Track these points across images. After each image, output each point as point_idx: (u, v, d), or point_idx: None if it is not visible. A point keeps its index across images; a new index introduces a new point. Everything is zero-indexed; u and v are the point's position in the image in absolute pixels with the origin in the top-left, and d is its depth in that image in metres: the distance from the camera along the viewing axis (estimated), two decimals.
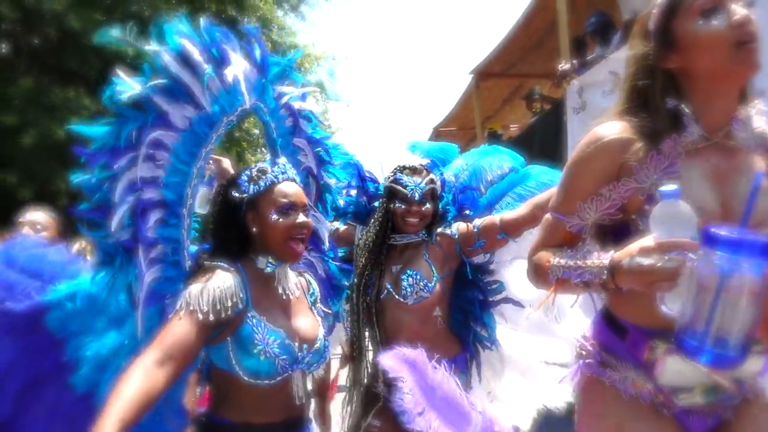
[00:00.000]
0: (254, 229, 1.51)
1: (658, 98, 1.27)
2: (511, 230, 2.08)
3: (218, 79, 1.51)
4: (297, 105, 1.74)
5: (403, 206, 2.10)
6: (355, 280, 2.12)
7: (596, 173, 1.29)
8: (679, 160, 1.24)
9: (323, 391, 4.31)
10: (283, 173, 1.54)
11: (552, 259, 1.29)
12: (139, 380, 1.23)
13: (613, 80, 4.07)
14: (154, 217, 1.45)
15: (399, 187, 2.11)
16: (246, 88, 1.56)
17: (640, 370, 1.28)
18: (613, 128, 1.29)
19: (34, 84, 8.80)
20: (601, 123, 1.32)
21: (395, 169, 2.18)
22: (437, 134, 9.32)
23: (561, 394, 2.33)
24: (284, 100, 1.70)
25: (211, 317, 1.38)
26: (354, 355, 2.14)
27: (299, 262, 1.63)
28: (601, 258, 1.18)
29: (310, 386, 1.64)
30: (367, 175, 2.35)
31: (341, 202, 2.31)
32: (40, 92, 8.72)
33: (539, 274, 1.35)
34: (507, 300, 2.21)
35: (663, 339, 1.20)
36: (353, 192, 2.36)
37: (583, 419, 1.38)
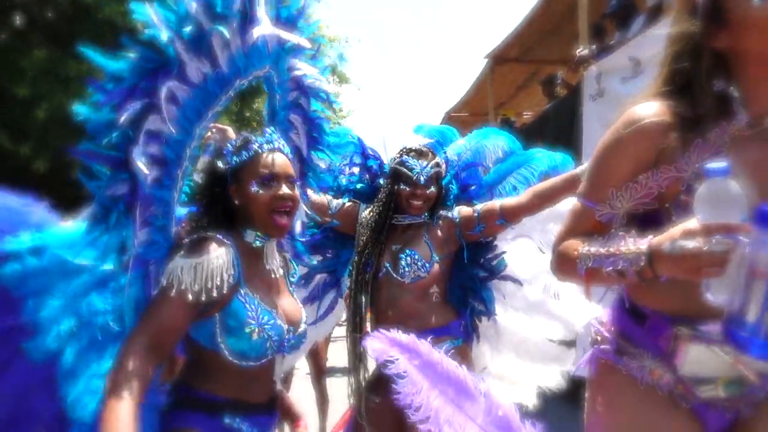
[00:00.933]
0: (236, 202, 1.46)
1: (704, 80, 1.16)
2: (510, 217, 2.10)
3: (240, 38, 1.42)
4: (310, 82, 1.68)
5: (408, 189, 2.11)
6: (356, 257, 2.15)
7: (632, 158, 1.19)
8: (724, 148, 1.14)
9: (319, 370, 4.33)
10: (268, 143, 1.48)
11: (580, 248, 1.20)
12: (133, 367, 1.21)
13: (633, 66, 4.02)
14: (152, 174, 1.33)
15: (405, 170, 2.12)
16: (263, 53, 1.49)
17: (659, 358, 1.21)
18: (653, 110, 1.19)
19: (47, 56, 8.79)
20: (634, 104, 1.23)
21: (401, 151, 2.19)
22: (449, 120, 9.26)
23: (555, 374, 2.34)
24: (295, 73, 1.64)
25: (203, 297, 1.31)
26: (354, 331, 2.16)
27: (285, 235, 1.56)
28: (637, 244, 1.09)
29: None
30: (370, 153, 2.35)
31: (344, 180, 2.35)
32: (53, 65, 8.69)
33: (566, 264, 1.26)
34: (506, 277, 2.24)
35: (686, 326, 1.14)
36: (356, 170, 2.36)
37: (595, 406, 1.33)
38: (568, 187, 2.00)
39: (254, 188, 1.43)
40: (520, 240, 2.33)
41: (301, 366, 5.51)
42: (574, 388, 2.68)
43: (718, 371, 1.15)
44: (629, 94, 4.27)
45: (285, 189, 1.45)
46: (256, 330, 1.36)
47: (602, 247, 1.16)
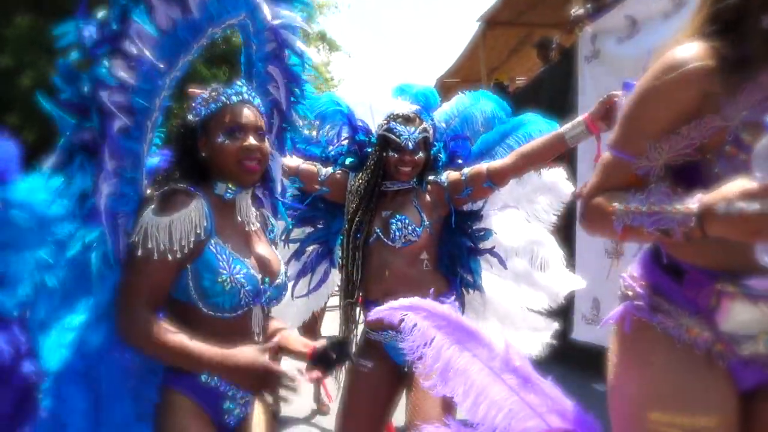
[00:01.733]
0: (204, 154, 1.44)
1: (755, 17, 1.06)
2: (497, 179, 2.09)
3: None
4: (287, 35, 1.65)
5: (396, 155, 2.11)
6: (346, 225, 2.16)
7: (673, 107, 1.10)
8: None
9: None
10: (236, 94, 1.45)
11: (617, 204, 1.12)
12: (157, 333, 1.28)
13: (629, 26, 3.98)
14: (118, 123, 1.30)
15: (393, 136, 2.11)
16: (239, 1, 1.47)
17: (697, 316, 1.16)
18: (695, 52, 1.09)
19: (30, 24, 8.57)
20: (672, 46, 1.15)
21: (388, 117, 2.18)
22: (441, 86, 9.15)
23: (538, 341, 2.36)
24: (273, 23, 1.60)
25: (179, 255, 1.32)
26: (347, 297, 2.15)
27: (257, 181, 1.54)
28: (685, 203, 1.02)
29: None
30: (359, 124, 2.33)
31: (332, 152, 2.31)
32: (37, 33, 8.49)
33: (600, 220, 1.18)
34: (492, 253, 2.24)
35: (729, 281, 1.08)
36: (344, 141, 2.35)
37: (625, 364, 1.27)
38: (554, 148, 2.00)
39: (221, 139, 1.42)
40: (507, 210, 2.34)
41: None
42: (562, 352, 2.80)
43: (761, 326, 1.10)
44: (625, 55, 4.26)
45: (252, 140, 1.43)
46: (228, 279, 1.36)
47: (642, 204, 1.08)
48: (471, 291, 2.26)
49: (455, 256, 2.22)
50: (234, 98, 1.45)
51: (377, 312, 1.25)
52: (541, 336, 2.37)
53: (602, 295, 4.18)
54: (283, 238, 2.19)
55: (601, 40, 4.36)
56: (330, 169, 2.26)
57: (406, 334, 1.17)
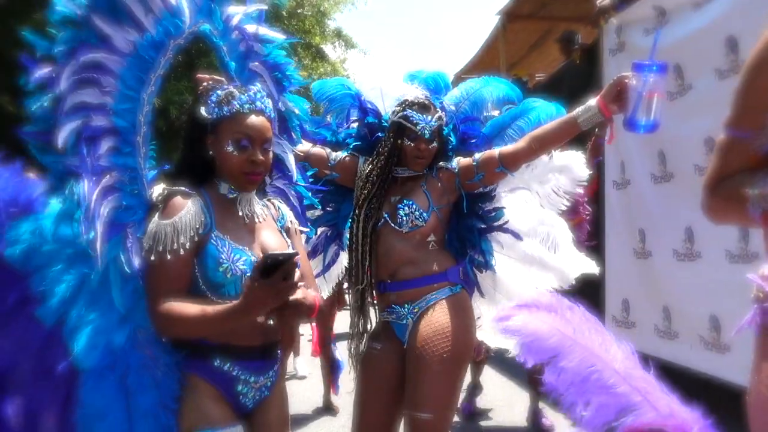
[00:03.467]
0: (211, 153, 1.51)
1: None
2: (509, 163, 2.08)
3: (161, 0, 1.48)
4: (251, 28, 1.70)
5: (412, 144, 2.11)
6: (356, 210, 2.16)
7: None
8: None
9: (326, 336, 4.27)
10: (250, 102, 1.50)
11: (750, 188, 1.05)
12: (176, 307, 1.40)
13: (657, 16, 3.81)
14: (105, 144, 1.44)
15: (409, 125, 2.10)
16: (191, 9, 1.54)
17: None
18: None
19: (46, 18, 8.60)
20: None
21: (403, 104, 2.16)
22: (459, 81, 9.00)
23: None
24: (234, 21, 1.66)
25: (188, 248, 1.43)
26: (356, 283, 2.17)
27: (255, 189, 1.61)
28: None
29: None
30: (369, 107, 2.30)
31: (341, 135, 2.30)
32: (53, 28, 8.51)
33: (729, 208, 1.13)
34: (505, 230, 2.23)
35: None
36: (354, 125, 2.33)
37: (758, 368, 1.13)
38: (567, 131, 1.98)
39: (229, 148, 1.49)
40: (519, 192, 2.34)
41: (305, 331, 5.46)
42: None
43: None
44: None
45: (258, 155, 1.49)
46: (229, 267, 1.45)
47: None
48: (483, 271, 2.26)
49: (465, 238, 2.22)
50: (247, 107, 1.49)
51: (501, 317, 1.23)
52: None
53: (632, 296, 4.04)
54: (310, 222, 2.17)
55: (627, 32, 4.19)
56: (340, 154, 2.25)
57: (522, 336, 1.14)
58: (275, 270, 1.30)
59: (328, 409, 4.17)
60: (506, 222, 2.24)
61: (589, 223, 3.55)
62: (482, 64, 8.59)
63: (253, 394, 1.54)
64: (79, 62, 1.40)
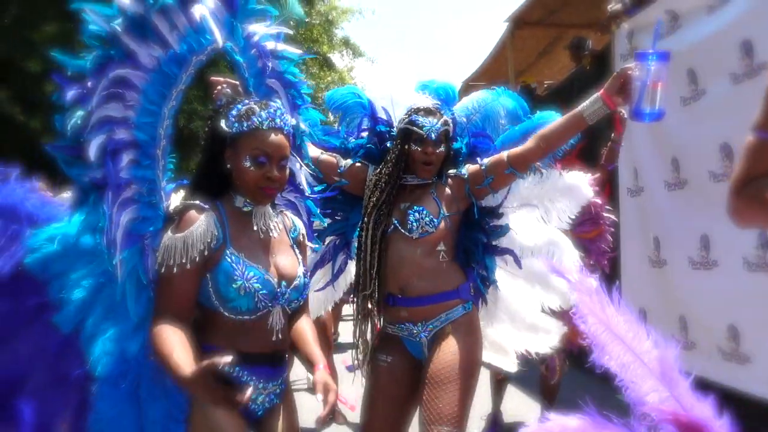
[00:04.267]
0: (229, 166, 1.54)
1: None
2: (518, 164, 2.08)
3: (185, 17, 1.51)
4: (270, 45, 1.75)
5: (419, 148, 2.10)
6: (365, 218, 2.15)
7: None
8: None
9: (326, 345, 4.23)
10: (270, 119, 1.53)
11: None
12: (165, 329, 1.42)
13: (669, 21, 3.76)
14: (126, 157, 1.48)
15: (415, 129, 2.11)
16: (215, 26, 1.57)
17: None
18: None
19: (58, 30, 8.68)
20: None
21: (409, 111, 2.17)
22: (467, 89, 8.97)
23: (546, 342, 2.38)
24: (255, 39, 1.70)
25: (196, 264, 1.47)
26: (363, 290, 2.15)
27: (270, 203, 1.65)
28: None
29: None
30: (380, 117, 2.31)
31: (351, 143, 2.31)
32: (65, 40, 8.60)
33: (756, 211, 1.12)
34: (510, 253, 2.25)
35: None
36: (364, 134, 2.34)
37: None
38: (573, 127, 1.98)
39: (246, 163, 1.51)
40: (525, 209, 2.34)
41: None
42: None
43: None
44: None
45: (275, 172, 1.52)
46: (243, 285, 1.48)
47: None
48: (487, 288, 2.26)
49: (470, 251, 2.22)
50: (266, 123, 1.52)
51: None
52: (551, 338, 2.38)
53: (648, 306, 3.97)
54: (316, 235, 2.17)
55: (639, 37, 4.14)
56: (350, 161, 2.25)
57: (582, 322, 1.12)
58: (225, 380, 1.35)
59: (333, 419, 4.10)
60: (510, 251, 2.24)
61: (611, 234, 3.47)
62: (491, 71, 8.56)
63: (262, 400, 1.56)
64: (108, 78, 1.45)
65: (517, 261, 2.26)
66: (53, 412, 1.52)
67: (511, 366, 2.45)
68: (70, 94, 1.45)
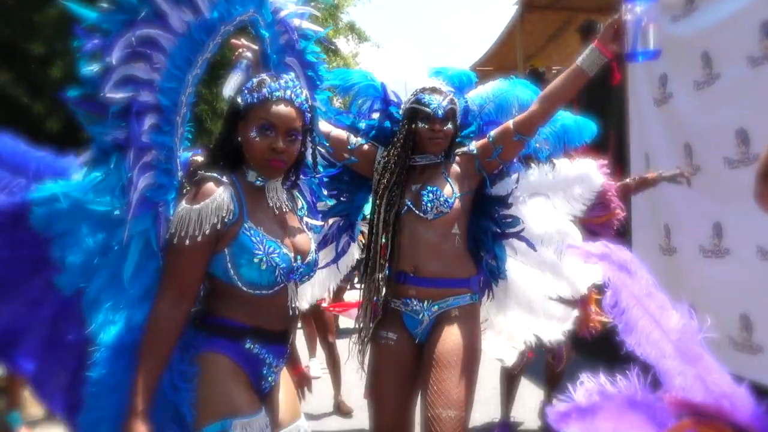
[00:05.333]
0: (240, 139, 1.53)
1: None
2: (525, 129, 2.07)
3: None
4: (296, 22, 1.74)
5: (426, 126, 2.10)
6: (377, 201, 2.15)
7: None
8: None
9: (327, 331, 4.20)
10: (279, 90, 1.52)
11: None
12: (163, 328, 1.40)
13: (685, 3, 3.66)
14: (149, 121, 1.46)
15: (421, 107, 2.11)
16: None
17: None
18: None
19: (62, 13, 8.60)
20: None
21: (416, 91, 2.18)
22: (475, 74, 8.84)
23: (556, 330, 2.37)
24: (281, 14, 1.70)
25: (207, 237, 1.43)
26: (368, 272, 2.15)
27: (280, 177, 1.63)
28: None
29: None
30: (392, 99, 2.30)
31: (362, 125, 2.31)
32: (69, 22, 8.50)
33: None
34: (521, 237, 2.23)
35: None
36: (375, 115, 2.32)
37: None
38: (574, 82, 1.98)
39: (253, 134, 1.50)
40: (536, 198, 2.33)
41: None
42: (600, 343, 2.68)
43: None
44: (680, 34, 3.96)
45: (280, 143, 1.50)
46: (264, 259, 1.46)
47: None
48: (497, 280, 2.26)
49: (479, 239, 2.21)
50: (276, 94, 1.50)
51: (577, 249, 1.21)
52: (561, 325, 2.38)
53: None
54: (320, 216, 2.16)
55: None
56: (360, 140, 2.24)
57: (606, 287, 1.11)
58: None
59: (339, 409, 4.10)
60: (522, 229, 2.22)
61: (622, 218, 3.40)
62: (499, 56, 8.44)
63: (272, 378, 1.58)
64: (135, 35, 1.41)
65: (530, 245, 2.24)
66: (48, 372, 1.51)
67: (511, 356, 2.47)
68: (90, 44, 1.40)
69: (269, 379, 1.57)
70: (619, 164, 4.57)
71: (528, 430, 3.75)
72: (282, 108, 1.51)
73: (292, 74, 1.62)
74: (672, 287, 3.84)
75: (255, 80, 1.54)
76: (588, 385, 1.03)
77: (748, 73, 3.13)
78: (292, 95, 1.53)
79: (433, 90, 2.14)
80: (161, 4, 1.44)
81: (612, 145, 4.93)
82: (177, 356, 1.45)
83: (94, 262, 1.46)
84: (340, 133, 2.22)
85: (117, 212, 1.45)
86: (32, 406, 4.03)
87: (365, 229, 3.02)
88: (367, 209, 2.39)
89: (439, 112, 2.09)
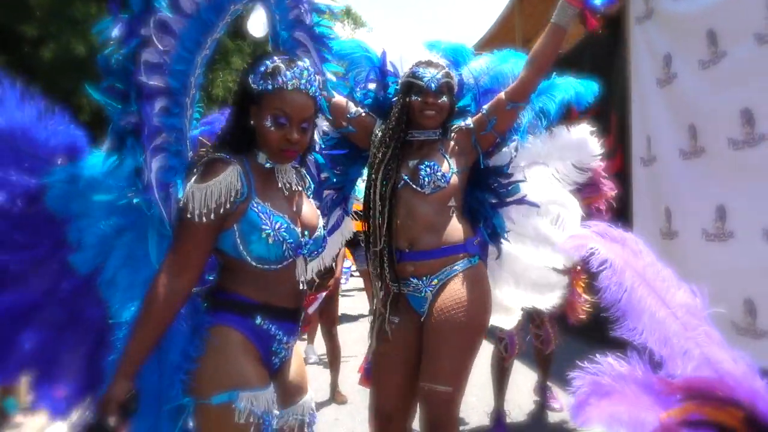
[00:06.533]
0: (252, 122, 1.55)
1: None
2: (516, 96, 2.07)
3: None
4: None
5: (419, 98, 2.09)
6: (373, 175, 2.13)
7: None
8: None
9: (331, 321, 4.16)
10: (293, 79, 1.52)
11: None
12: (161, 296, 1.40)
13: None
14: (159, 104, 1.46)
15: (415, 80, 2.10)
16: None
17: None
18: None
19: None
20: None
21: (412, 65, 2.18)
22: None
23: (550, 299, 2.38)
24: None
25: (220, 212, 1.46)
26: (375, 246, 2.13)
27: (291, 162, 1.66)
28: None
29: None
30: (390, 70, 2.28)
31: (359, 94, 2.30)
32: (62, 5, 8.41)
33: None
34: (522, 201, 2.22)
35: None
36: (372, 86, 2.30)
37: None
38: (553, 39, 2.01)
39: (267, 122, 1.51)
40: (534, 167, 2.33)
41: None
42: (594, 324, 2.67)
43: None
44: (682, 12, 3.86)
45: (294, 134, 1.52)
46: (271, 234, 1.49)
47: None
48: (497, 239, 2.25)
49: (475, 211, 2.22)
50: (290, 84, 1.51)
51: (570, 243, 1.18)
52: (554, 294, 2.39)
53: None
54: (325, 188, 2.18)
55: None
56: (360, 109, 2.23)
57: (600, 269, 1.08)
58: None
59: (335, 398, 4.09)
60: (524, 196, 2.21)
61: (614, 200, 3.34)
62: (497, 39, 8.30)
63: (282, 354, 1.60)
64: (154, 21, 1.43)
65: (532, 204, 2.24)
66: (63, 347, 1.56)
67: (511, 322, 2.46)
68: (115, 31, 1.41)
69: (280, 355, 1.59)
70: (620, 147, 4.48)
71: (523, 412, 3.74)
72: (296, 99, 1.52)
73: (307, 61, 1.61)
74: (673, 272, 3.80)
75: (269, 64, 1.52)
76: (596, 368, 1.00)
77: (755, 51, 3.04)
78: (307, 84, 1.53)
79: (429, 63, 2.14)
80: None
81: (613, 127, 4.84)
82: (189, 329, 1.49)
83: (109, 242, 1.49)
84: (341, 100, 2.19)
85: (131, 195, 1.46)
86: (28, 393, 4.01)
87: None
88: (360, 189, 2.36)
89: (432, 85, 2.08)
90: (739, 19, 3.15)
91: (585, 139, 2.43)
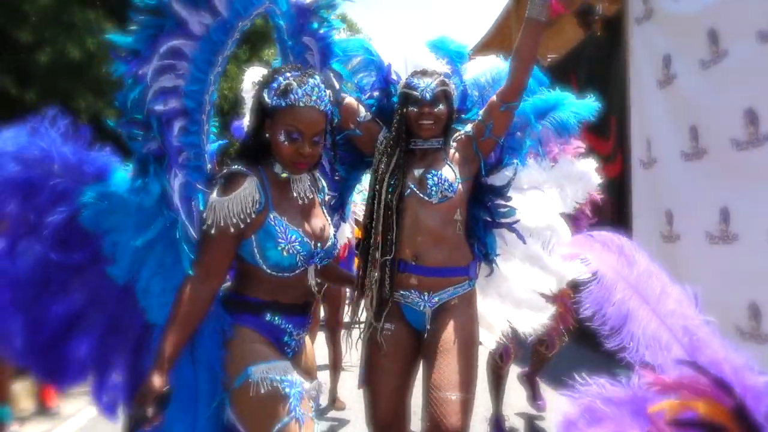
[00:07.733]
0: (267, 135, 1.63)
1: None
2: (508, 97, 2.07)
3: None
4: (309, 5, 1.81)
5: (415, 109, 2.09)
6: (376, 185, 2.14)
7: None
8: None
9: (336, 323, 4.09)
10: (305, 96, 1.59)
11: None
12: (188, 300, 1.53)
13: None
14: (177, 125, 1.55)
15: (410, 91, 2.11)
16: None
17: None
18: None
19: (51, 1, 8.46)
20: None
21: (408, 76, 2.20)
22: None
23: (532, 321, 2.38)
24: (296, 1, 1.76)
25: (241, 226, 1.57)
26: (366, 259, 2.15)
27: (303, 173, 1.73)
28: None
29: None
30: (393, 78, 2.27)
31: (365, 99, 2.29)
32: (58, 10, 8.39)
33: None
34: (512, 228, 2.23)
35: None
36: (376, 93, 2.30)
37: None
38: (531, 33, 2.01)
39: (281, 137, 1.61)
40: (531, 192, 2.35)
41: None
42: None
43: None
44: (682, 13, 3.81)
45: (306, 148, 1.61)
46: (286, 248, 1.61)
47: None
48: (491, 271, 2.26)
49: (471, 228, 2.22)
50: (302, 101, 1.59)
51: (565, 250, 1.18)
52: (540, 317, 2.38)
53: None
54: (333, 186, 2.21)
55: None
56: (369, 115, 2.24)
57: (590, 283, 1.06)
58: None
59: (333, 403, 4.04)
60: (516, 221, 2.22)
61: (601, 203, 3.29)
62: (494, 42, 8.28)
63: (294, 345, 1.71)
64: (161, 51, 1.50)
65: (520, 236, 2.25)
66: (109, 353, 1.67)
67: (491, 342, 2.46)
68: (127, 70, 1.50)
69: (292, 346, 1.70)
70: (620, 150, 4.43)
71: (521, 417, 3.71)
72: (308, 115, 1.60)
73: (317, 77, 1.67)
74: (673, 276, 3.73)
75: (282, 81, 1.60)
76: (588, 389, 0.95)
77: (757, 49, 2.99)
78: (318, 100, 1.61)
79: (423, 73, 2.15)
80: (181, 13, 1.51)
81: (613, 130, 4.79)
82: (215, 329, 1.61)
83: (142, 253, 1.58)
84: (352, 102, 2.20)
85: (160, 213, 1.56)
86: (23, 400, 3.94)
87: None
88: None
89: (427, 95, 2.09)
90: (740, 17, 3.11)
91: (588, 173, 2.47)
